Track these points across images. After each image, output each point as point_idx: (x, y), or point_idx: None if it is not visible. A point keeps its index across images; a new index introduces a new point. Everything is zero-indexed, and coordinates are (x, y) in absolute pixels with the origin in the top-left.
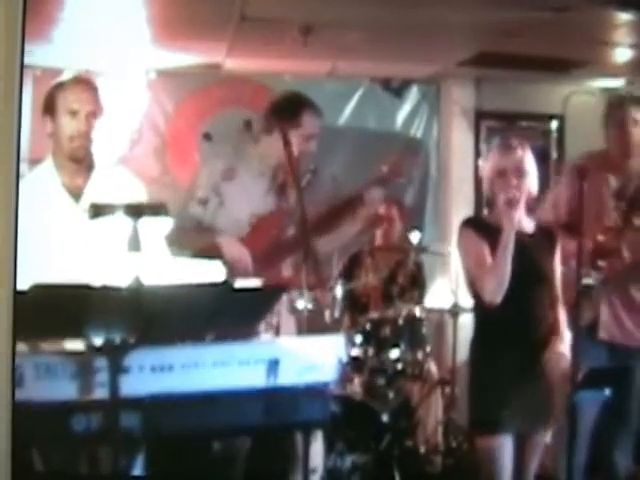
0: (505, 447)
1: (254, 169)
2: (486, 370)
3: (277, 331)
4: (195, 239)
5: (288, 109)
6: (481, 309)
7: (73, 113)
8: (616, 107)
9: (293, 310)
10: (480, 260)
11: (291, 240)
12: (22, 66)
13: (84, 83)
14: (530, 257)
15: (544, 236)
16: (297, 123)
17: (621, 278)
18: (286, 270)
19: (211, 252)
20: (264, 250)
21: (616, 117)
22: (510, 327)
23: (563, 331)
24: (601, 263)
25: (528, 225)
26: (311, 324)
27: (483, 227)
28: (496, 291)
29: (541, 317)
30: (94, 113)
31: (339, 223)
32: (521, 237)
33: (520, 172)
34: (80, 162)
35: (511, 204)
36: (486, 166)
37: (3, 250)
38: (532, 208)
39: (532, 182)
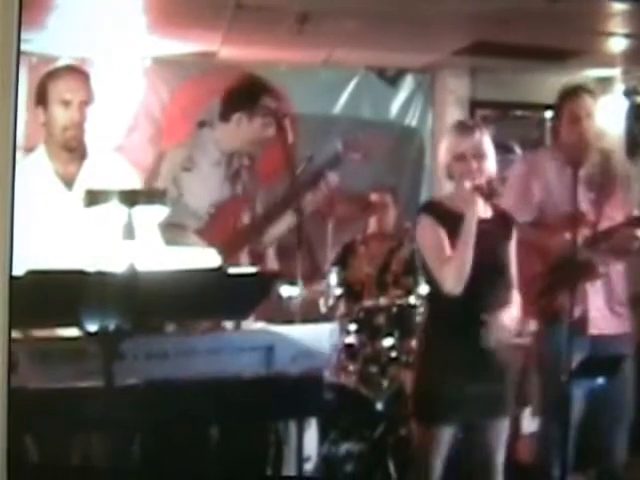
0: (444, 438)
1: (211, 157)
2: (435, 359)
3: (271, 318)
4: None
5: (246, 94)
6: (437, 298)
7: (66, 103)
8: (571, 99)
9: (287, 298)
10: (439, 250)
11: (248, 227)
12: (19, 54)
13: (75, 72)
14: (488, 245)
15: (501, 221)
16: (257, 108)
17: (604, 270)
18: (270, 260)
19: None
20: (224, 239)
21: (571, 110)
22: (464, 316)
23: (512, 307)
24: (586, 254)
25: (485, 211)
26: (305, 312)
27: (442, 212)
28: (457, 282)
29: (494, 305)
30: (86, 102)
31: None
32: (479, 224)
33: (480, 154)
34: (73, 151)
35: (475, 190)
36: (443, 150)
37: None
38: (490, 192)
39: (491, 165)
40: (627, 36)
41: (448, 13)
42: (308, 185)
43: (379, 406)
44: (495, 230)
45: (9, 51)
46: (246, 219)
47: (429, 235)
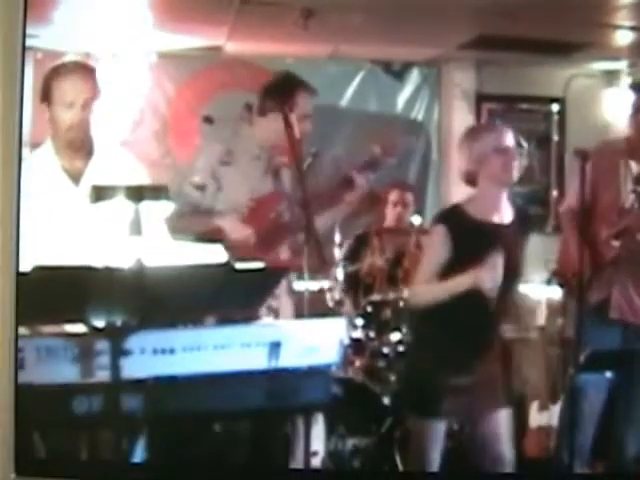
0: (438, 431)
1: (250, 152)
2: (433, 353)
3: (278, 314)
4: (194, 223)
5: (282, 90)
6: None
7: (69, 104)
8: None
9: (294, 292)
10: (432, 267)
11: (289, 223)
12: (24, 49)
13: (80, 69)
14: (507, 252)
15: (520, 222)
16: (292, 103)
17: (634, 259)
18: (284, 253)
19: (212, 235)
20: (262, 233)
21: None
22: (457, 316)
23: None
24: (615, 243)
25: (507, 214)
26: (312, 306)
27: (461, 224)
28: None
29: (501, 306)
30: (91, 101)
31: (329, 206)
32: (499, 229)
33: (515, 152)
34: (78, 150)
35: (503, 185)
36: (480, 142)
37: (5, 233)
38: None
39: (515, 167)
40: (633, 29)
41: (453, 6)
42: (343, 187)
43: (386, 401)
44: (514, 235)
45: (14, 47)
46: (286, 214)
47: (435, 251)
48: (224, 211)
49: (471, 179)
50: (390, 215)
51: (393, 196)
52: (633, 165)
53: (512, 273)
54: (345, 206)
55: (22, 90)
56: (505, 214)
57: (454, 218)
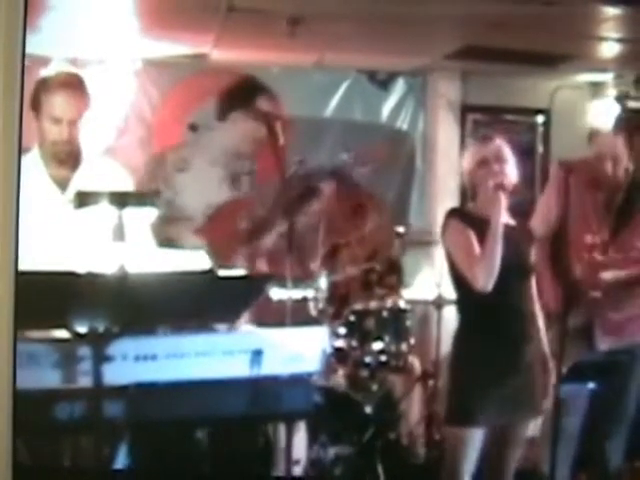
0: (474, 439)
1: (208, 157)
2: (468, 361)
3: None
4: (156, 229)
5: (242, 95)
6: (468, 301)
7: (57, 120)
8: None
9: (277, 301)
10: (469, 249)
11: (250, 230)
12: (23, 57)
13: (70, 85)
14: (513, 248)
15: (524, 229)
16: (252, 108)
17: (612, 292)
18: (265, 261)
19: (166, 244)
20: (218, 242)
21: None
22: (496, 319)
23: (542, 326)
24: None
25: (510, 218)
26: (295, 315)
27: (468, 218)
28: (487, 279)
29: (524, 310)
30: (79, 118)
31: (298, 214)
32: (505, 228)
33: (501, 159)
34: (65, 161)
35: (499, 188)
36: (466, 158)
37: (3, 238)
38: (513, 203)
39: (512, 170)
40: (619, 40)
41: (439, 16)
42: (310, 194)
43: (368, 410)
44: (519, 236)
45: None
46: (245, 221)
47: (459, 237)
48: (178, 220)
49: (471, 194)
50: (358, 223)
51: (360, 201)
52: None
53: (515, 269)
54: (313, 214)
55: (22, 100)
56: (507, 217)
57: (460, 214)
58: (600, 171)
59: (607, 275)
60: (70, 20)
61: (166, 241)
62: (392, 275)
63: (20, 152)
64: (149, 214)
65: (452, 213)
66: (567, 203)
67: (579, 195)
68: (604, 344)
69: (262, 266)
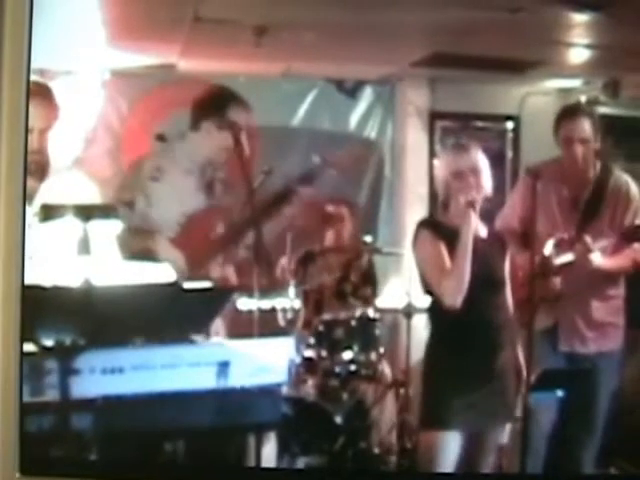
0: (450, 444)
1: (182, 167)
2: (441, 370)
3: (227, 333)
4: (127, 241)
5: (213, 104)
6: (439, 312)
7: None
8: (567, 118)
9: (245, 311)
10: (439, 263)
11: (225, 239)
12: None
13: (39, 94)
14: (485, 261)
15: (496, 241)
16: (223, 118)
17: (576, 291)
18: (231, 271)
19: (143, 255)
20: (194, 252)
21: (566, 131)
22: (467, 330)
23: (516, 335)
24: (556, 279)
25: (482, 229)
26: (263, 325)
27: (439, 229)
28: (456, 296)
29: (496, 321)
30: (47, 128)
31: (268, 219)
32: (476, 241)
33: (476, 171)
34: (33, 172)
35: (470, 205)
36: (440, 167)
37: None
38: (485, 212)
39: (487, 181)
40: (588, 47)
41: (406, 24)
42: (281, 199)
43: (339, 419)
44: (491, 249)
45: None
46: (220, 229)
47: (429, 249)
48: (154, 229)
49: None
50: (328, 233)
51: (328, 210)
52: (565, 190)
53: (486, 283)
54: (284, 220)
55: (27, 116)
56: (479, 229)
57: (432, 224)
58: (570, 160)
59: (561, 259)
60: (37, 31)
61: (141, 252)
62: (367, 286)
63: (26, 168)
64: (114, 226)
65: (423, 224)
66: (533, 206)
67: (546, 197)
68: (566, 346)
69: (231, 275)
